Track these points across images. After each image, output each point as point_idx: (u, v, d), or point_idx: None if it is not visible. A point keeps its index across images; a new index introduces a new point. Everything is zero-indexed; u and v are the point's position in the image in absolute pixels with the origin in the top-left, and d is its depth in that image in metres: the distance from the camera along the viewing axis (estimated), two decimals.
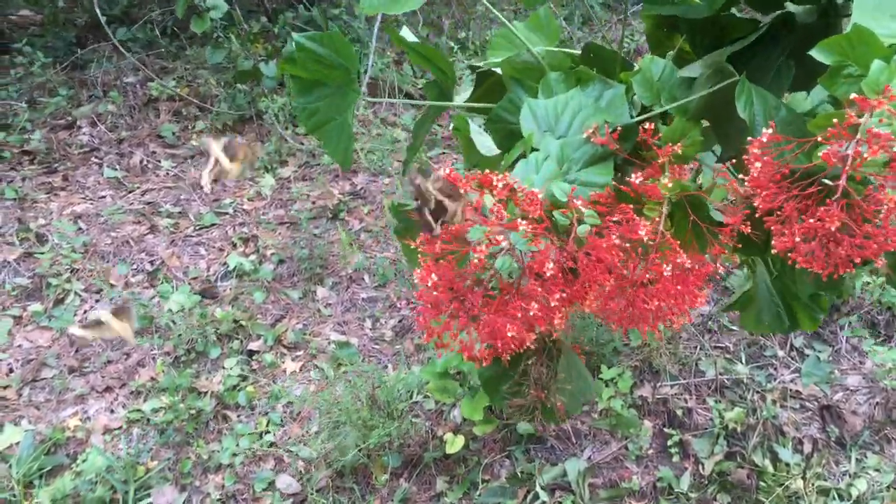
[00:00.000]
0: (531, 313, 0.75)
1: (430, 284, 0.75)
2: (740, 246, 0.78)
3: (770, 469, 1.99)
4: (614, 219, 0.76)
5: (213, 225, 2.78)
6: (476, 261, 0.75)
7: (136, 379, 2.22)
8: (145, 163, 3.08)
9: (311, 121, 1.15)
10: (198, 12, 3.12)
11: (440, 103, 1.25)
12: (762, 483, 1.96)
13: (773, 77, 0.92)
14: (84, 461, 1.98)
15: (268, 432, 2.11)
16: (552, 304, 0.75)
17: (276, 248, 2.67)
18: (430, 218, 0.75)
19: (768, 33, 0.91)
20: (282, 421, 2.14)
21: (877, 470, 2.00)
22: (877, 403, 2.13)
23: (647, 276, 0.77)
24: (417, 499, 1.98)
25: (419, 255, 0.78)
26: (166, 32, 3.51)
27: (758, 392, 2.16)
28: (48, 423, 2.10)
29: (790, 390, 2.17)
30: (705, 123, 0.98)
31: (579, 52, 1.28)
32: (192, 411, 2.12)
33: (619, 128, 0.92)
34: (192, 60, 3.46)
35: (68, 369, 2.25)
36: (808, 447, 2.05)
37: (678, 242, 0.73)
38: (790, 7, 0.92)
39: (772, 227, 0.72)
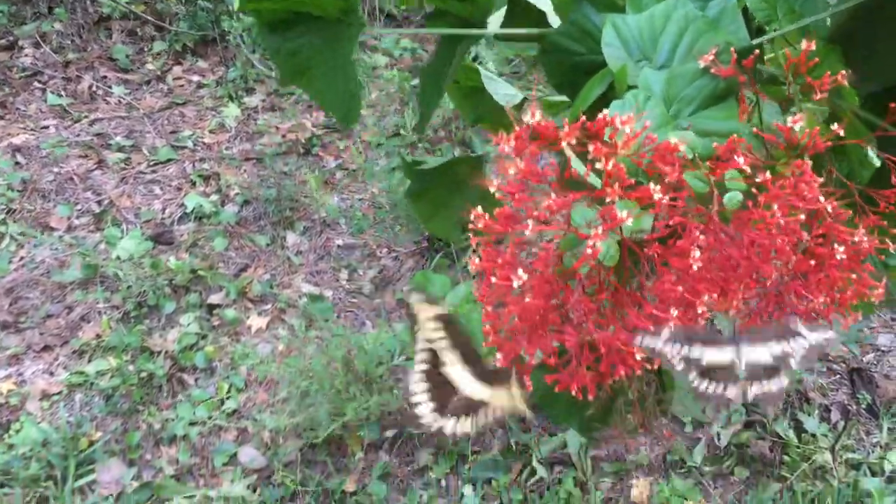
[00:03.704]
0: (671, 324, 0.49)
1: (516, 287, 0.47)
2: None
3: (794, 441, 1.78)
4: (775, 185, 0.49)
5: (169, 160, 2.48)
6: (590, 250, 0.46)
7: (79, 336, 1.96)
8: (94, 89, 2.74)
9: (289, 63, 0.83)
10: None
11: (473, 31, 0.89)
12: (786, 457, 1.75)
13: None
14: (18, 432, 1.73)
15: (229, 398, 1.86)
16: (699, 310, 0.49)
17: (240, 188, 2.37)
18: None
19: None
20: (245, 386, 1.89)
21: None
22: None
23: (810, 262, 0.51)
24: (399, 473, 1.76)
25: (473, 236, 0.50)
26: None
27: None
28: None
29: None
30: None
31: None
32: (143, 374, 1.86)
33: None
34: None
35: (1, 325, 1.98)
36: (836, 415, 1.84)
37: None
38: None
39: None
